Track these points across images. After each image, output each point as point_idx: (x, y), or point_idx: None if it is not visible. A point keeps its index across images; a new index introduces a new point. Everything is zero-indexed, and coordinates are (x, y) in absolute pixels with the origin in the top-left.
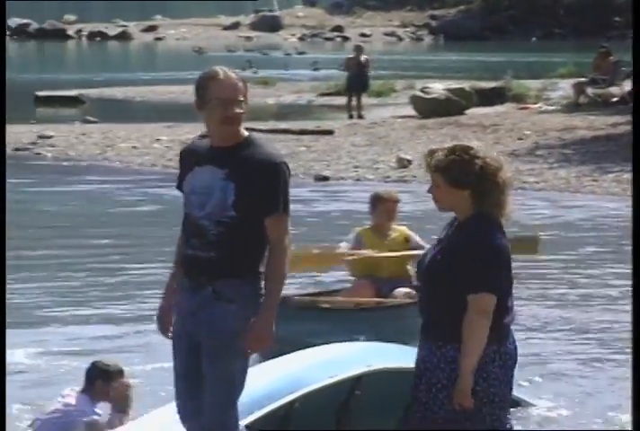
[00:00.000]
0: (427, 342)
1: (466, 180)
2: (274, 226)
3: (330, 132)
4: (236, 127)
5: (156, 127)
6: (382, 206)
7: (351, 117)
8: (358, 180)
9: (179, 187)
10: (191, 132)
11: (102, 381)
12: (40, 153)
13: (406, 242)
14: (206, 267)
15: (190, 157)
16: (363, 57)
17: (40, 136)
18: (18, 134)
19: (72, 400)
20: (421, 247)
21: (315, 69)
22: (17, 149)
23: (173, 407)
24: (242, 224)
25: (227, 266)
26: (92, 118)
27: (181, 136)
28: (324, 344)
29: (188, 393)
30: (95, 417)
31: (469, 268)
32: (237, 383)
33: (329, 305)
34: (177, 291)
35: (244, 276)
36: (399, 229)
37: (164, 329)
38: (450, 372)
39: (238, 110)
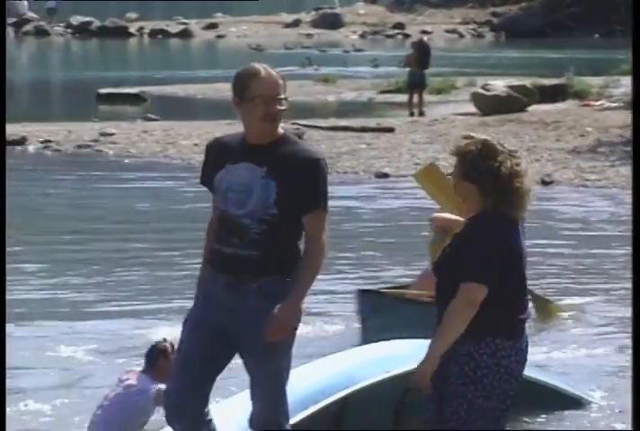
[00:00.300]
0: None
1: (474, 176)
2: (313, 223)
3: (391, 129)
4: (277, 124)
5: (217, 125)
6: None
7: (411, 114)
8: None
9: (204, 182)
10: None
11: (165, 359)
12: (101, 151)
13: None
14: (248, 265)
15: (220, 153)
16: (425, 39)
17: (102, 134)
18: (80, 131)
19: (133, 382)
20: None
21: (375, 66)
22: (79, 146)
23: (236, 398)
24: (283, 221)
25: (270, 264)
26: (153, 116)
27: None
28: (407, 337)
29: (187, 390)
30: (162, 386)
31: (467, 259)
32: (284, 380)
33: (414, 297)
34: (204, 284)
35: (286, 272)
36: None
37: None
38: (463, 365)
39: (280, 108)
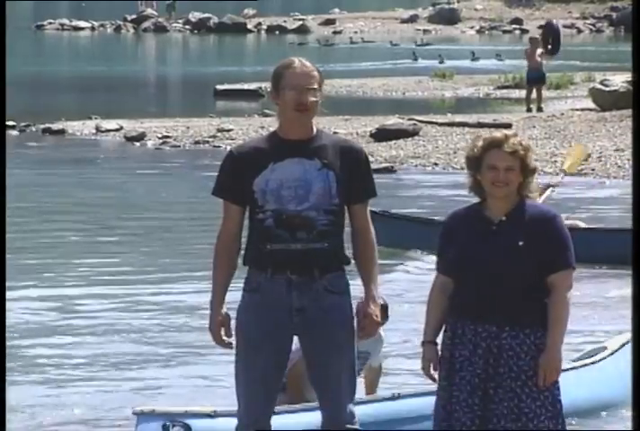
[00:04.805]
0: (512, 328)
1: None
2: (365, 212)
3: (508, 125)
4: (311, 115)
5: (333, 120)
6: None
7: (529, 110)
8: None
9: (224, 192)
10: (369, 125)
11: None
12: (219, 147)
13: None
14: (318, 258)
15: (253, 157)
16: (539, 51)
17: (220, 130)
18: (198, 127)
19: None
20: None
21: (474, 60)
22: (197, 142)
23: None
24: (342, 211)
25: (337, 255)
26: (271, 112)
27: (358, 129)
28: None
29: (264, 401)
30: None
31: (556, 246)
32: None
33: None
34: (253, 291)
35: (345, 264)
36: None
37: (222, 339)
38: (534, 359)
39: (312, 99)
